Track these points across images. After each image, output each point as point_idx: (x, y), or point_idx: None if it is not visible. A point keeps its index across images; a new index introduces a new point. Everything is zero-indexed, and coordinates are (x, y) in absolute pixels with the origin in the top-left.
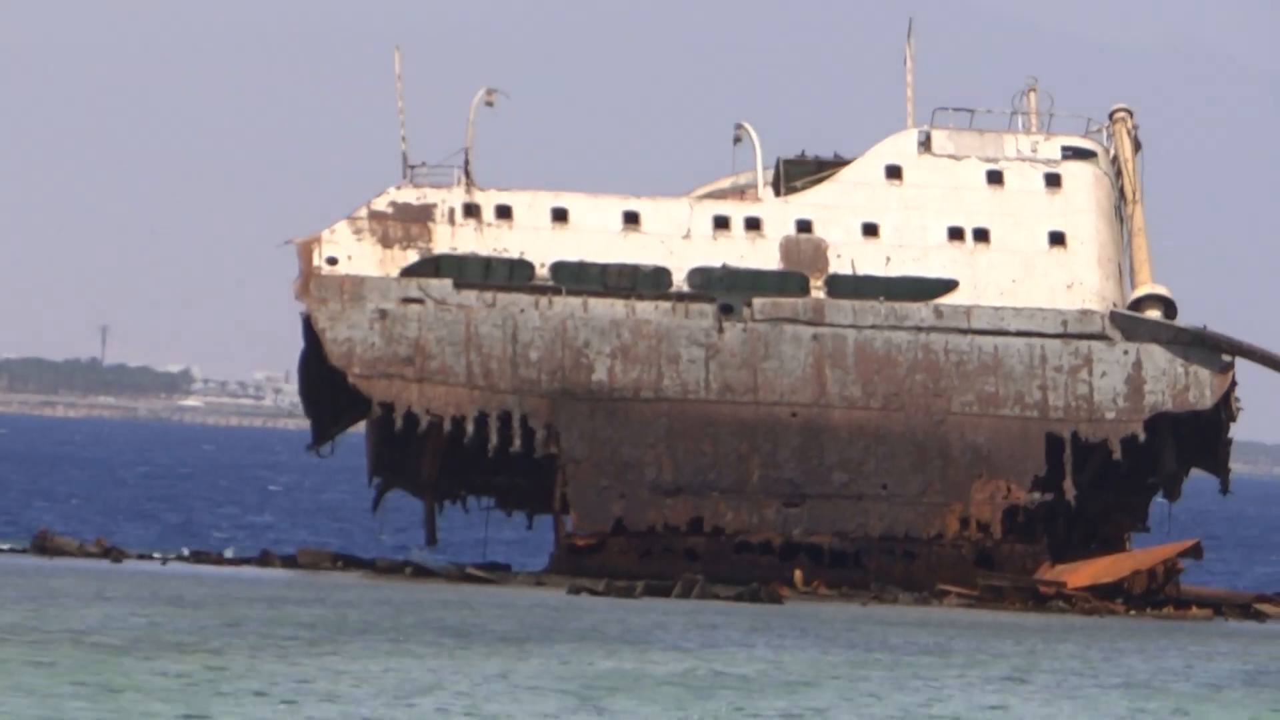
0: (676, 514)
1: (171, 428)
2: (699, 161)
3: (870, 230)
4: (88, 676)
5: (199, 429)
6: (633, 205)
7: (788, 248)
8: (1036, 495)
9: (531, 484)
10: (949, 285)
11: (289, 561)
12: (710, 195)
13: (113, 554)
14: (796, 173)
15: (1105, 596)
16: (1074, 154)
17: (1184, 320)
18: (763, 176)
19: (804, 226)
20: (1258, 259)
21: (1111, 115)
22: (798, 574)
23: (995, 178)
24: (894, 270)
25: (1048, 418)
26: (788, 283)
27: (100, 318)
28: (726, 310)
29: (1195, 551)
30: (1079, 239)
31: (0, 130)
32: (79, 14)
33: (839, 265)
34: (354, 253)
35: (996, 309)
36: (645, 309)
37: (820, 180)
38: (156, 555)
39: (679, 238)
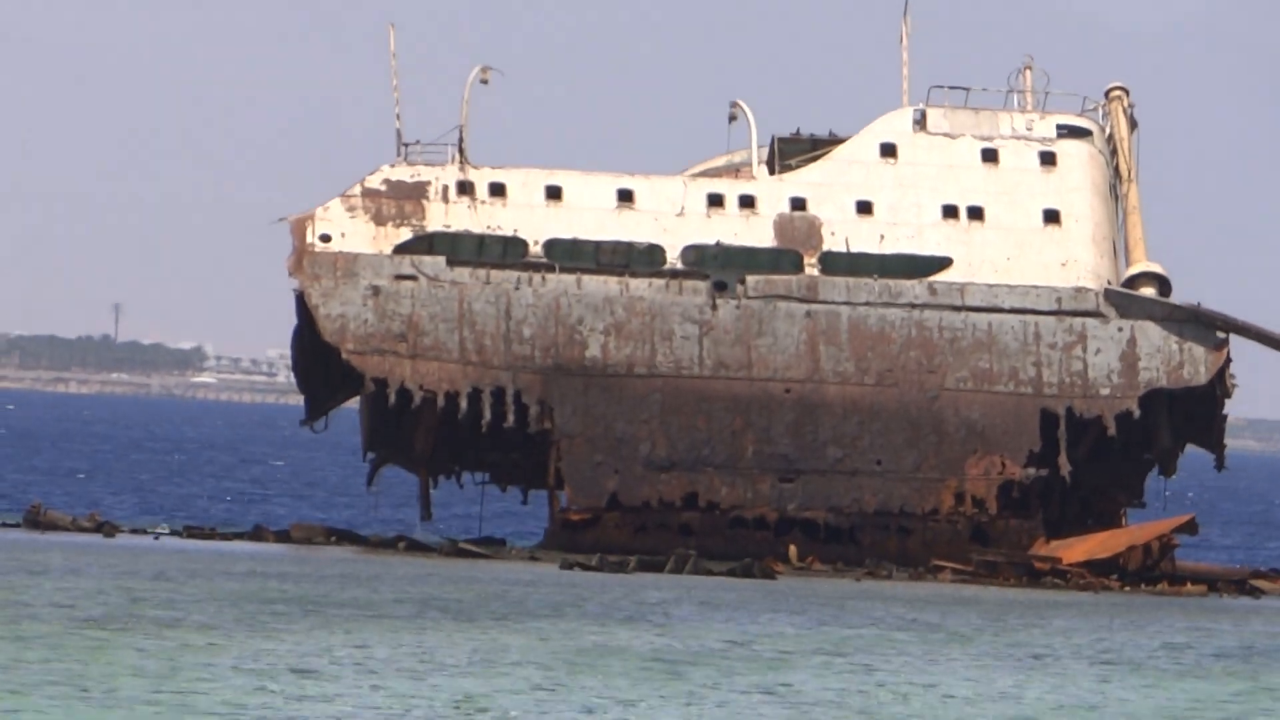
0: (671, 489)
1: (184, 404)
2: (693, 139)
3: (865, 208)
4: (57, 650)
5: (211, 405)
6: (627, 183)
7: (782, 225)
8: (1031, 471)
9: (526, 459)
10: (943, 263)
11: (282, 536)
12: (705, 173)
13: (105, 529)
14: (791, 151)
15: (1100, 572)
16: (1069, 132)
17: (1178, 297)
18: (757, 154)
19: (798, 204)
20: (1253, 236)
21: (1107, 94)
22: (792, 549)
23: (990, 156)
24: (888, 248)
25: (1042, 394)
26: (782, 260)
27: (113, 295)
28: (720, 287)
29: (1190, 527)
30: (1074, 217)
31: (12, 108)
32: None
33: (833, 243)
34: (347, 230)
35: (991, 286)
36: (639, 286)
37: (815, 158)
38: (149, 530)
39: (673, 215)
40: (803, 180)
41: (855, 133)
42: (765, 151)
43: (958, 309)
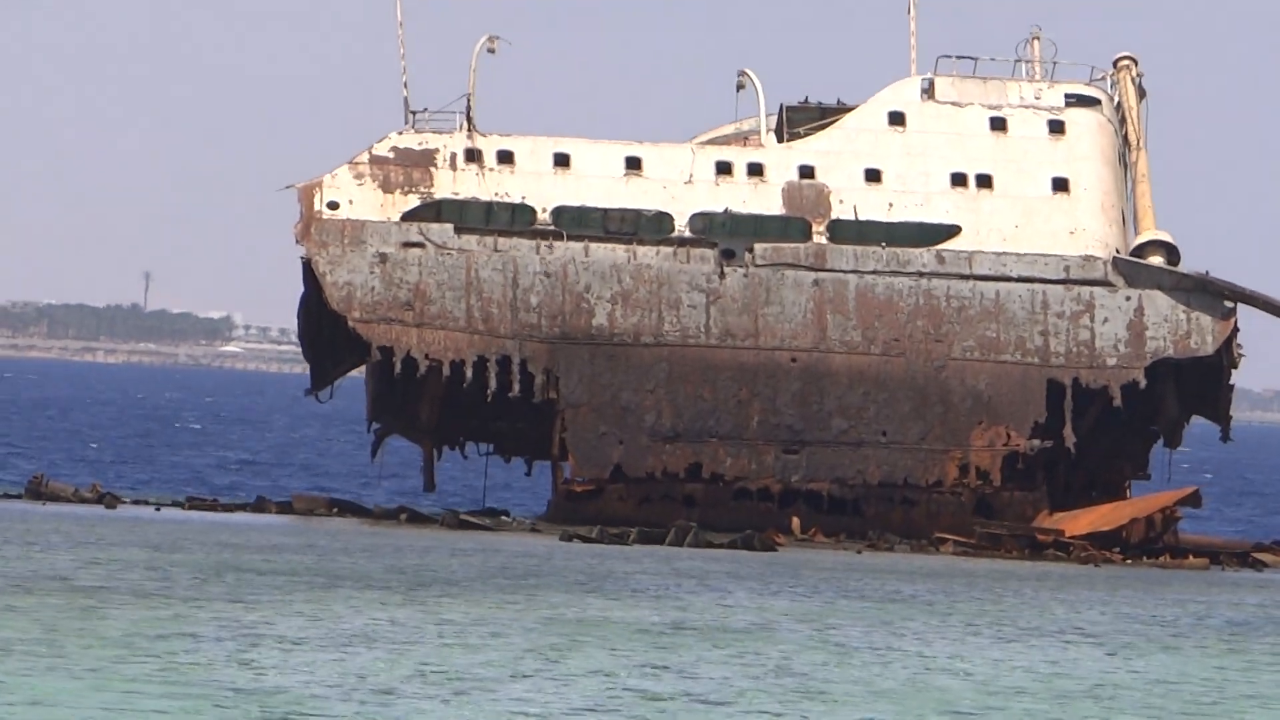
0: (675, 460)
1: (212, 373)
2: (702, 108)
3: (873, 176)
4: (42, 620)
5: (239, 374)
6: (635, 150)
7: (790, 193)
8: (1036, 442)
9: (530, 429)
10: (951, 231)
11: (284, 508)
12: (713, 141)
13: (106, 499)
14: (799, 119)
15: (1103, 545)
16: (1078, 101)
17: (1186, 266)
18: (765, 123)
19: (806, 172)
20: (1261, 206)
21: (1116, 63)
22: (795, 521)
23: (998, 124)
24: (896, 216)
25: (1049, 364)
26: (790, 228)
27: (143, 263)
28: (728, 255)
29: (1194, 500)
30: (1082, 185)
31: (44, 77)
32: None
33: (841, 211)
34: (355, 197)
35: (998, 254)
36: (646, 254)
37: (823, 126)
38: (152, 501)
39: (681, 183)
40: (811, 148)
41: (863, 101)
42: (774, 120)
43: (965, 277)
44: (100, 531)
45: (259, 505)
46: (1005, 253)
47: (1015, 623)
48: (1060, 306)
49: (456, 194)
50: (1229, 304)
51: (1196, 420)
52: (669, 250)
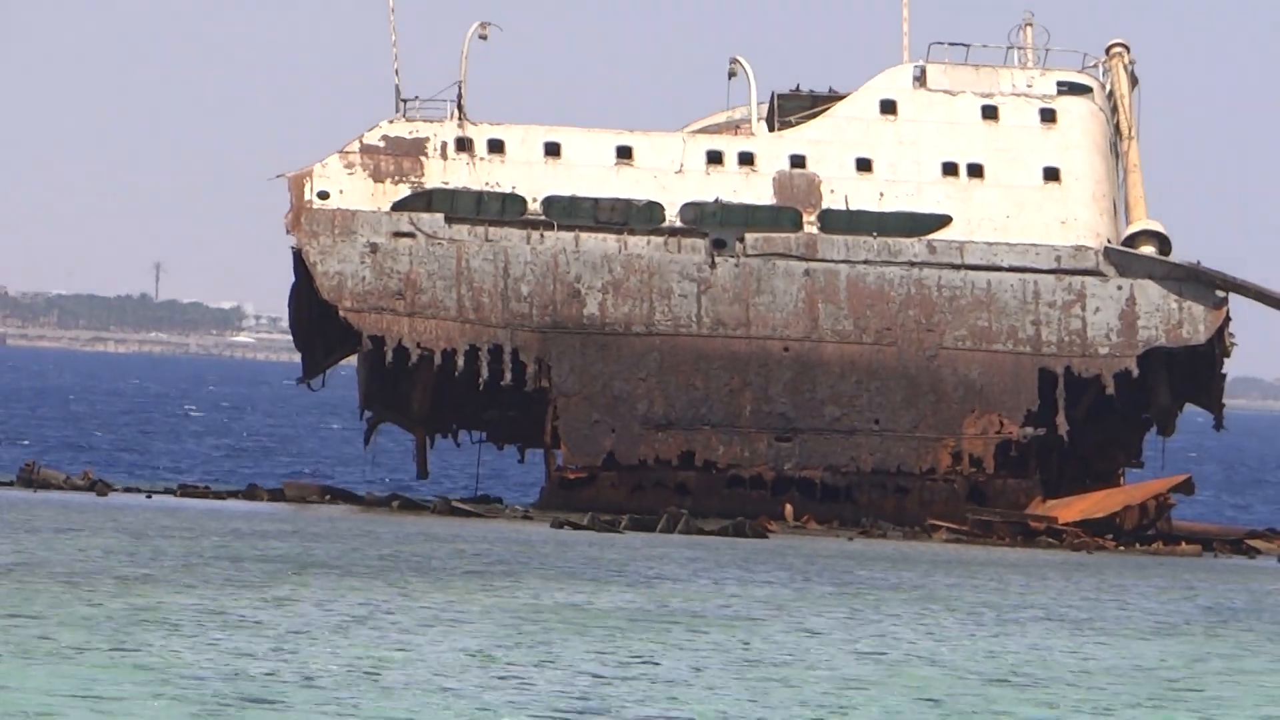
0: (667, 448)
1: (222, 364)
2: (693, 96)
3: (864, 165)
4: (21, 604)
5: (250, 365)
6: (626, 140)
7: (781, 183)
8: (1029, 430)
9: (522, 418)
10: (943, 220)
11: (275, 495)
12: (704, 130)
13: (98, 487)
14: (791, 107)
15: (1096, 532)
16: (1069, 89)
17: (1178, 256)
18: (756, 111)
19: (798, 161)
20: (1253, 196)
21: (1108, 50)
22: (788, 508)
23: (990, 113)
24: (887, 205)
25: (1041, 353)
26: (781, 218)
27: (154, 253)
28: (719, 245)
29: (1187, 486)
30: (1074, 175)
31: (54, 65)
32: None
33: (832, 200)
34: (345, 187)
35: (990, 244)
36: (637, 243)
37: (814, 115)
38: (143, 489)
39: (672, 172)
40: (802, 137)
41: (855, 89)
42: (765, 108)
43: (957, 267)
44: (84, 518)
45: (250, 492)
46: (997, 243)
47: (1002, 609)
48: (1052, 296)
49: (447, 183)
50: (1221, 293)
51: (1195, 410)
52: (660, 240)
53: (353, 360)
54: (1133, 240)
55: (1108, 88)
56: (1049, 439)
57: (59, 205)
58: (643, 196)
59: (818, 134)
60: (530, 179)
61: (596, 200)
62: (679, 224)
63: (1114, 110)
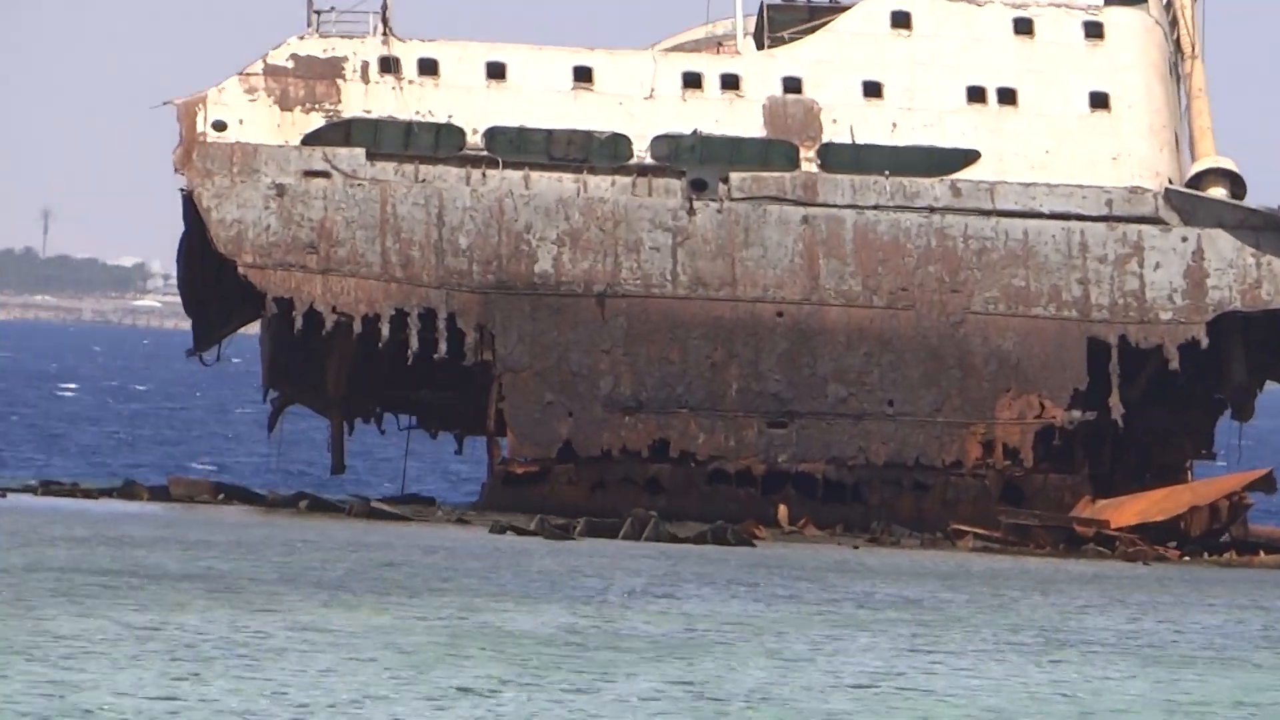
0: (637, 436)
1: (121, 333)
2: (666, 8)
3: (873, 90)
4: None
5: (156, 334)
6: (585, 59)
7: (773, 111)
8: (1076, 414)
9: (460, 398)
10: (969, 157)
11: (158, 494)
12: (679, 48)
13: None
14: (784, 20)
15: (1155, 539)
16: None
17: (1254, 200)
18: (743, 25)
19: (792, 86)
20: None
21: None
22: (782, 510)
23: (1024, 27)
24: (902, 139)
25: (1089, 318)
26: (773, 153)
27: (41, 200)
28: (698, 187)
29: (1266, 483)
30: (1126, 101)
31: None
32: None
33: (835, 132)
34: (246, 116)
35: (1026, 185)
36: (599, 185)
37: (812, 30)
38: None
39: (640, 99)
40: (798, 57)
41: None
42: (753, 21)
43: (987, 214)
44: None
45: (128, 490)
46: (1034, 183)
47: (1038, 634)
48: (1102, 249)
49: (369, 112)
50: None
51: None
52: (627, 181)
53: (255, 328)
54: (1199, 181)
55: None
56: (1100, 424)
57: None
58: (605, 128)
59: (816, 52)
60: (469, 107)
61: (550, 132)
62: (649, 161)
63: (1173, 24)
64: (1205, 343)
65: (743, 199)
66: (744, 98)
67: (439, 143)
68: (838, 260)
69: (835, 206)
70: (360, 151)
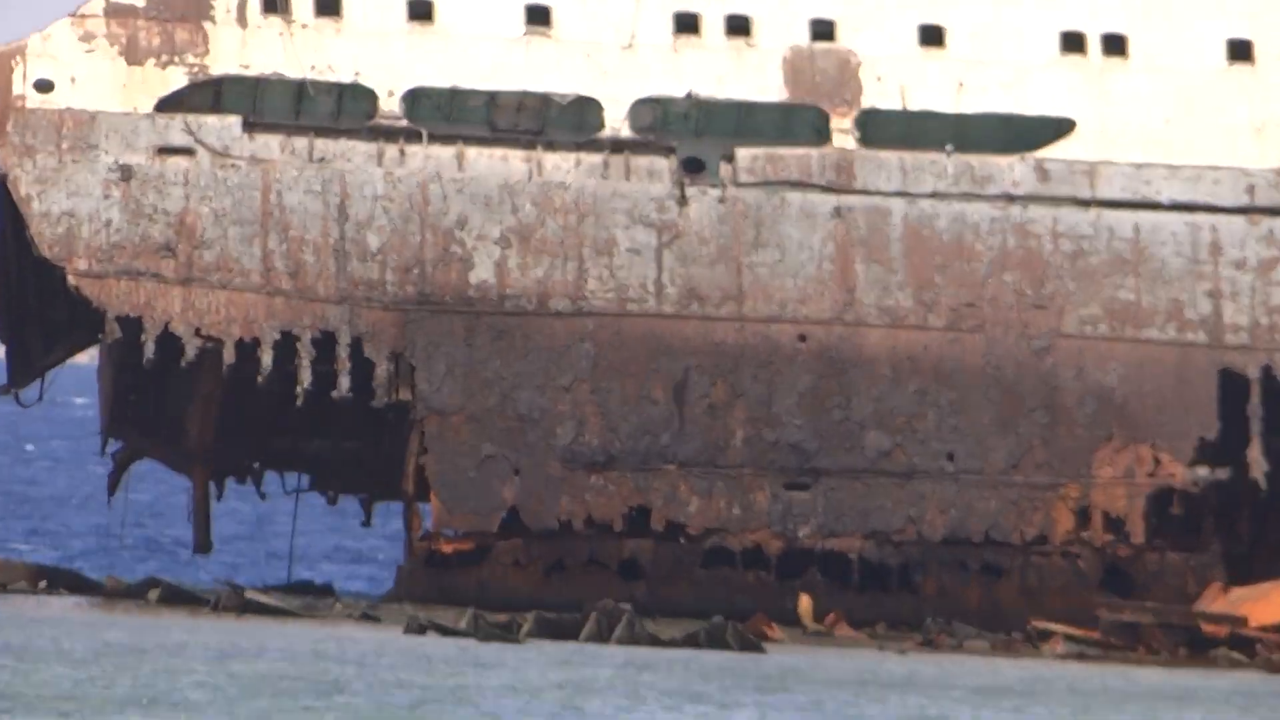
0: (607, 502)
1: None
2: None
3: (931, 37)
4: None
5: None
6: None
7: (795, 66)
8: (1203, 472)
9: (368, 451)
10: (1061, 128)
11: None
12: None
13: None
14: None
15: None
16: None
17: None
18: None
19: (822, 30)
20: None
21: None
22: (805, 601)
23: None
24: (970, 104)
25: (1222, 344)
26: (795, 123)
27: None
28: (693, 168)
29: None
30: (1273, 54)
31: None
32: None
33: (879, 95)
34: (81, 72)
35: (1139, 167)
36: (559, 166)
37: None
38: None
39: (616, 49)
40: None
41: None
42: None
43: (1085, 204)
44: None
45: None
46: (1150, 164)
47: None
48: (1240, 251)
49: (247, 67)
50: None
51: None
52: (597, 160)
53: (92, 356)
54: None
55: None
56: (1234, 485)
57: None
58: (568, 89)
59: None
60: (383, 60)
61: (492, 95)
62: (627, 134)
63: None
64: None
65: (753, 184)
66: (756, 47)
67: (341, 109)
68: (881, 266)
69: (878, 194)
70: (235, 121)
